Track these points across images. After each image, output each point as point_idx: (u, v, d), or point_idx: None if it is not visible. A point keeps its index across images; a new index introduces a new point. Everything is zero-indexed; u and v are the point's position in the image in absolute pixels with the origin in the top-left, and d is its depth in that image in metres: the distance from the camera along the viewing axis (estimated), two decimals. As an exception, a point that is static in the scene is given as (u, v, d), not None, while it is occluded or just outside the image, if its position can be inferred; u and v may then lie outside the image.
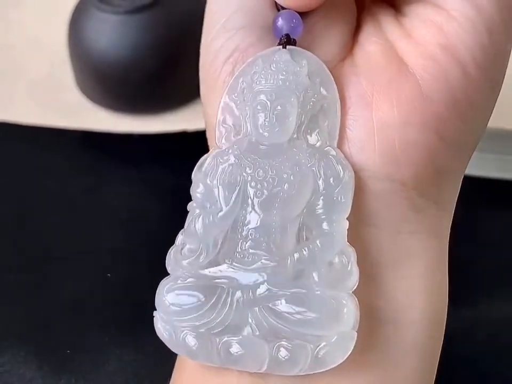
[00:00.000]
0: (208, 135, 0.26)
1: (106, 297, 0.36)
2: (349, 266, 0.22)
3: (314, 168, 0.22)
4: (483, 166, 0.42)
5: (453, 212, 0.25)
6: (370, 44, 0.24)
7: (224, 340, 0.22)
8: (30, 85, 0.50)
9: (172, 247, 0.23)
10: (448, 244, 0.25)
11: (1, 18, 0.55)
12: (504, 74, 0.24)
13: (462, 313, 0.36)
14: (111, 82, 0.46)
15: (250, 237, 0.22)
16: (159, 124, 0.46)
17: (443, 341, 0.25)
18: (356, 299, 0.21)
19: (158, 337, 0.22)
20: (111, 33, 0.45)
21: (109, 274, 0.37)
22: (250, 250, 0.22)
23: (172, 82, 0.46)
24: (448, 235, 0.25)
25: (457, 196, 0.25)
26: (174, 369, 0.25)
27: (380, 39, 0.24)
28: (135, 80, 0.45)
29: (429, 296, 0.23)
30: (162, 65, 0.45)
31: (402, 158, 0.22)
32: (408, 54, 0.23)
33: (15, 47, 0.53)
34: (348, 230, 0.22)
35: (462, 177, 0.25)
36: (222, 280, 0.22)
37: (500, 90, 0.24)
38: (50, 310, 0.36)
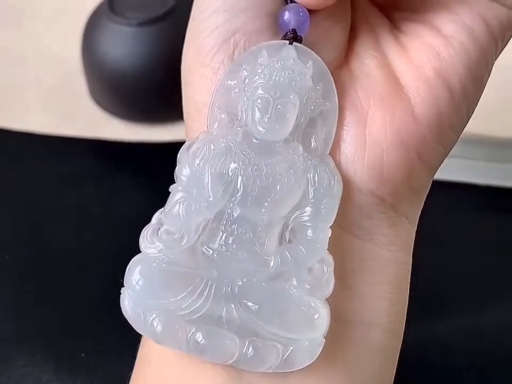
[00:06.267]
0: (187, 116, 0.25)
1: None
2: (327, 275, 0.22)
3: (309, 175, 0.22)
4: (488, 174, 0.42)
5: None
6: (367, 56, 0.25)
7: (194, 329, 0.21)
8: (44, 95, 0.50)
9: (147, 226, 0.22)
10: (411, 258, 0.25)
11: (16, 29, 0.56)
12: (479, 100, 0.25)
13: (467, 320, 0.37)
14: (124, 92, 0.47)
15: (236, 232, 0.22)
16: (171, 133, 0.47)
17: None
18: (329, 307, 0.22)
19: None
20: (124, 44, 0.46)
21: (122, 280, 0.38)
22: (234, 245, 0.22)
23: (184, 93, 0.47)
24: (412, 249, 0.25)
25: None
26: (136, 362, 0.25)
27: (377, 53, 0.25)
28: (148, 90, 0.46)
29: (395, 303, 0.24)
30: (174, 75, 0.45)
31: (386, 175, 0.23)
32: (405, 75, 0.24)
33: (29, 58, 0.54)
34: (329, 237, 0.22)
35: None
36: (201, 270, 0.22)
37: (472, 114, 0.25)
38: (66, 314, 0.37)
